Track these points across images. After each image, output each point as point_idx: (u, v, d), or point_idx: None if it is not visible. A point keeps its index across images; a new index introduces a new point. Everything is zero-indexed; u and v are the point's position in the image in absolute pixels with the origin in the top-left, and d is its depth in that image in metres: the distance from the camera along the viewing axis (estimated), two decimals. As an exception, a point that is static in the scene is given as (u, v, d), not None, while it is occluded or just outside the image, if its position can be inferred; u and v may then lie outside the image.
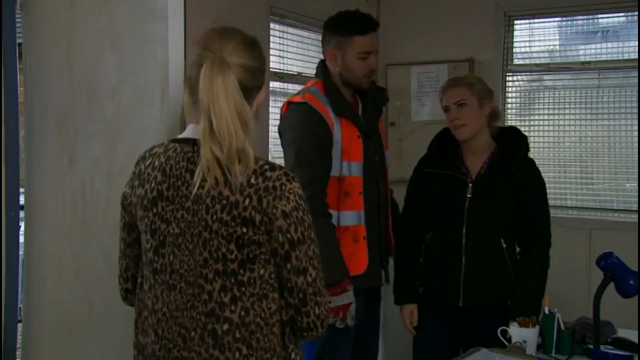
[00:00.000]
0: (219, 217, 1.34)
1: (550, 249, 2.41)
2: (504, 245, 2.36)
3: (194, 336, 1.38)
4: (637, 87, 3.24)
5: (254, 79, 1.40)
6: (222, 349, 1.36)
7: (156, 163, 1.43)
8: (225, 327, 1.36)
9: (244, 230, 1.33)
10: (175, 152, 1.42)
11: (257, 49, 1.43)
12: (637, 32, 3.24)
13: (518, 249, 2.43)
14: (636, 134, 3.32)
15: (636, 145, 3.32)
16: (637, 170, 3.22)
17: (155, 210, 1.40)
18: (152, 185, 1.41)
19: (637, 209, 3.30)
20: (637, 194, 3.29)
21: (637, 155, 3.28)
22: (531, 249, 2.39)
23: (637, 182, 3.27)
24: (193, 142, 1.40)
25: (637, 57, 3.26)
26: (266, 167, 1.36)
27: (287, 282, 1.38)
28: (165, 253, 1.40)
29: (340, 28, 2.36)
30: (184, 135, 1.45)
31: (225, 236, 1.34)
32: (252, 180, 1.34)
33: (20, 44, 2.27)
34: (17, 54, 2.18)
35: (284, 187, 1.35)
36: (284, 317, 1.40)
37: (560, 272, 2.66)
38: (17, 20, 2.20)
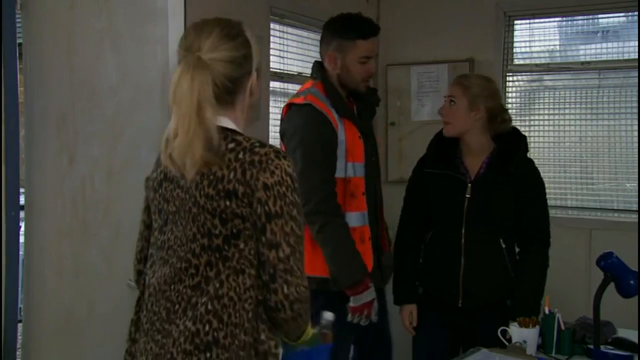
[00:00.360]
0: (206, 192, 1.37)
1: (549, 249, 2.41)
2: (504, 246, 2.36)
3: (177, 309, 1.40)
4: (637, 87, 3.24)
5: (241, 67, 1.43)
6: (194, 320, 1.36)
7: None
8: (204, 299, 1.37)
9: (227, 203, 1.35)
10: None
11: (239, 37, 1.44)
12: (637, 32, 3.24)
13: (517, 249, 2.43)
14: (636, 134, 3.32)
15: (636, 145, 3.32)
16: (637, 170, 3.22)
17: (160, 191, 1.47)
18: (162, 167, 1.48)
19: (637, 209, 3.29)
20: (637, 194, 3.28)
21: (637, 155, 3.28)
22: (530, 249, 2.39)
23: (637, 182, 3.27)
24: None
25: (637, 57, 3.26)
26: (257, 144, 1.39)
27: (260, 257, 1.38)
28: (166, 231, 1.45)
29: (342, 31, 2.34)
30: None
31: (210, 211, 1.36)
32: (240, 156, 1.37)
33: (20, 44, 2.27)
34: (17, 54, 2.18)
35: (270, 162, 1.36)
36: (259, 297, 1.39)
37: (560, 272, 2.66)
38: (17, 20, 2.20)
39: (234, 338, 1.36)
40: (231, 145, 1.39)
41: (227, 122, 1.44)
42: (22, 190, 2.19)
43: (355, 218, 2.33)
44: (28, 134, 2.16)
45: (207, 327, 1.36)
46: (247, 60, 1.44)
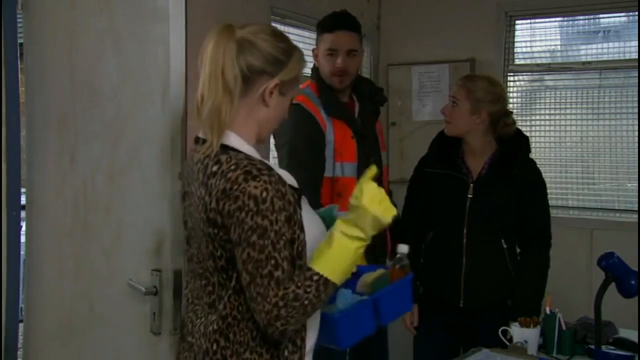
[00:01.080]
0: (201, 216, 1.38)
1: (550, 249, 2.41)
2: (505, 246, 2.36)
3: (198, 323, 1.43)
4: (637, 87, 3.24)
5: (266, 62, 1.39)
6: (206, 337, 1.39)
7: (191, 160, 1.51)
8: (214, 317, 1.39)
9: (215, 230, 1.36)
10: (195, 148, 1.47)
11: (283, 41, 1.43)
12: (637, 32, 3.24)
13: (518, 250, 2.43)
14: (637, 133, 3.31)
15: (637, 145, 3.32)
16: (637, 170, 3.22)
17: (184, 204, 1.50)
18: (185, 180, 1.50)
19: (637, 209, 3.29)
20: (637, 193, 3.28)
21: (637, 155, 3.28)
22: (532, 249, 2.39)
23: (637, 181, 3.27)
24: (198, 141, 1.46)
25: (637, 57, 3.25)
26: (232, 167, 1.34)
27: None
28: (192, 244, 1.47)
29: (318, 26, 2.43)
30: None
31: (209, 235, 1.38)
32: (216, 182, 1.34)
33: (21, 44, 2.27)
34: (19, 54, 2.18)
35: (235, 187, 1.32)
36: None
37: (562, 272, 2.66)
38: (19, 20, 2.20)
39: (239, 356, 1.37)
40: (214, 169, 1.36)
41: (227, 137, 1.40)
42: (23, 190, 2.19)
43: None
44: (29, 134, 2.16)
45: (214, 346, 1.38)
46: (277, 64, 1.41)
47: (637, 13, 3.29)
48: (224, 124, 1.37)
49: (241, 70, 1.37)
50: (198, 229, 1.41)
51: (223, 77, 1.35)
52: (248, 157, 1.37)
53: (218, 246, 1.37)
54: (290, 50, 1.43)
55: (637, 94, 3.29)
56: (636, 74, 3.25)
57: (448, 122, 2.38)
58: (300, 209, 1.39)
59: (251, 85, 1.40)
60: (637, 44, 3.26)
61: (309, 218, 1.43)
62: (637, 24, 3.30)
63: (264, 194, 1.31)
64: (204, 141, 1.40)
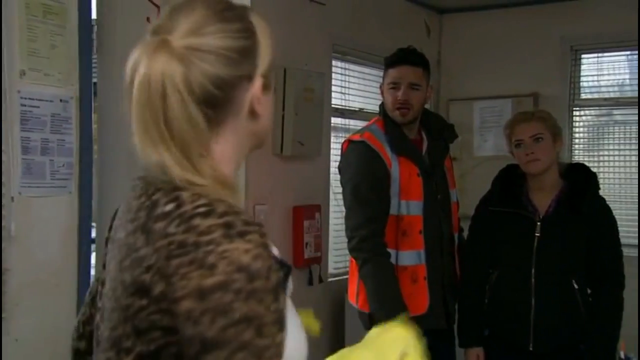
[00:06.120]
0: (124, 277, 0.87)
1: (623, 290, 2.31)
2: (576, 287, 2.26)
3: None
4: None
5: (235, 65, 0.90)
6: None
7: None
8: None
9: (144, 302, 0.84)
10: (134, 180, 0.98)
11: (236, 20, 0.92)
12: None
13: (589, 291, 2.33)
14: None
15: None
16: None
17: (104, 252, 1.00)
18: (113, 220, 1.02)
19: None
20: None
21: None
22: (603, 290, 2.29)
23: None
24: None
25: None
26: (200, 210, 0.84)
27: None
28: (100, 309, 0.95)
29: (384, 63, 2.45)
30: None
31: (124, 309, 0.86)
32: (171, 228, 0.84)
33: (95, 84, 2.38)
34: (93, 93, 2.28)
35: (211, 247, 0.81)
36: None
37: (636, 314, 2.54)
38: (94, 61, 2.31)
39: None
40: (168, 207, 0.86)
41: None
42: (93, 224, 2.27)
43: (409, 256, 2.30)
44: (100, 170, 2.25)
45: None
46: (247, 57, 0.92)
47: None
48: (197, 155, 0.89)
49: (205, 95, 0.88)
50: (109, 295, 0.91)
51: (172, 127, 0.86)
52: (222, 199, 0.86)
53: (133, 331, 0.85)
54: (249, 24, 0.93)
55: None
56: None
57: (536, 159, 2.29)
58: (285, 294, 0.88)
59: (227, 100, 0.91)
60: None
61: (291, 315, 0.90)
62: None
63: (257, 264, 0.82)
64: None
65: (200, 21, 0.89)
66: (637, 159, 3.46)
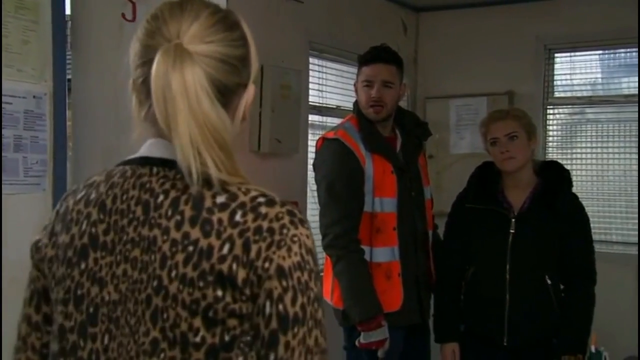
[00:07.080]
0: (181, 272, 0.87)
1: (595, 285, 2.35)
2: (549, 282, 2.30)
3: None
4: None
5: (237, 74, 0.93)
6: None
7: (92, 196, 0.96)
8: None
9: (219, 294, 0.86)
10: (124, 177, 0.95)
11: (236, 28, 0.95)
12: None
13: (562, 286, 2.37)
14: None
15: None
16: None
17: (84, 266, 0.92)
18: (83, 227, 0.94)
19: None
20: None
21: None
22: (576, 286, 2.33)
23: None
24: (152, 163, 0.95)
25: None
26: (261, 199, 0.90)
27: None
28: (97, 333, 0.91)
29: (358, 61, 2.47)
30: (138, 154, 0.99)
31: (188, 304, 0.86)
32: (238, 217, 0.88)
33: (69, 80, 2.36)
34: (67, 89, 2.26)
35: (285, 231, 0.88)
36: None
37: (607, 309, 2.58)
38: (68, 58, 2.29)
39: None
40: (221, 200, 0.89)
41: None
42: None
43: (382, 253, 2.32)
44: (75, 166, 2.23)
45: None
46: (246, 66, 0.95)
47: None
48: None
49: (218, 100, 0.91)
50: (140, 299, 0.89)
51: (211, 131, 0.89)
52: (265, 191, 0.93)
53: (204, 325, 0.86)
54: (244, 33, 0.96)
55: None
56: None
57: (511, 157, 2.32)
58: None
59: (228, 105, 0.94)
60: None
61: None
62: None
63: (315, 248, 0.91)
64: (153, 163, 0.94)
65: (206, 27, 0.92)
66: (608, 157, 3.53)
